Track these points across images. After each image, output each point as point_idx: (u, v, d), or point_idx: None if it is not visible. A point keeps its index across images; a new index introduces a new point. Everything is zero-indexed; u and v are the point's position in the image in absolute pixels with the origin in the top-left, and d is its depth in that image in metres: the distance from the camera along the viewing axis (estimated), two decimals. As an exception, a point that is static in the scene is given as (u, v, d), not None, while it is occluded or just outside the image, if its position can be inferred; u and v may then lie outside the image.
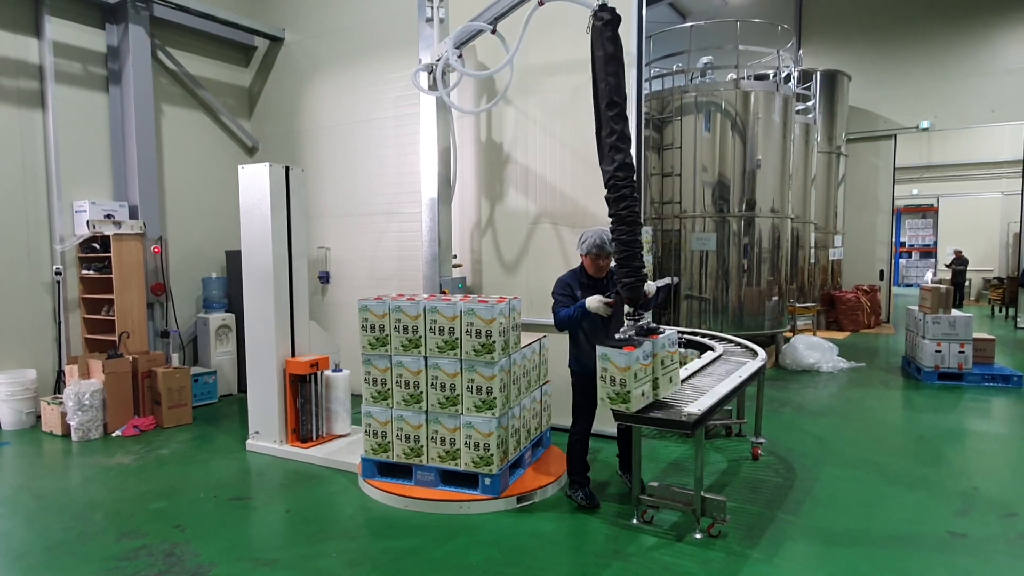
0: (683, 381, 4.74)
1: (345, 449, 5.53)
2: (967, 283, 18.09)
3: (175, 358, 7.07)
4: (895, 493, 4.64)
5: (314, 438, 5.71)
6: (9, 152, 6.63)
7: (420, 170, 6.42)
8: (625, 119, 3.96)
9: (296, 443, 5.65)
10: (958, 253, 17.65)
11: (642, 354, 3.73)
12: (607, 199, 3.97)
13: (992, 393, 7.59)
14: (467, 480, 4.52)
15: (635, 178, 3.99)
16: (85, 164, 7.09)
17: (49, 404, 6.33)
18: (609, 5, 3.95)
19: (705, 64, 9.47)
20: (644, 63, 5.62)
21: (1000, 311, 15.54)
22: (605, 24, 3.91)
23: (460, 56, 5.57)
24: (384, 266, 7.48)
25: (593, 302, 4.12)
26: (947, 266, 17.98)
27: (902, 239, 23.57)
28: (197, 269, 8.07)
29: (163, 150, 7.77)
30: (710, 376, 4.93)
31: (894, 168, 13.92)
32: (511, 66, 5.30)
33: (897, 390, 7.92)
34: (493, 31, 5.24)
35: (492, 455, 4.41)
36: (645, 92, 6.21)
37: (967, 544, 3.86)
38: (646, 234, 8.38)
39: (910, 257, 23.91)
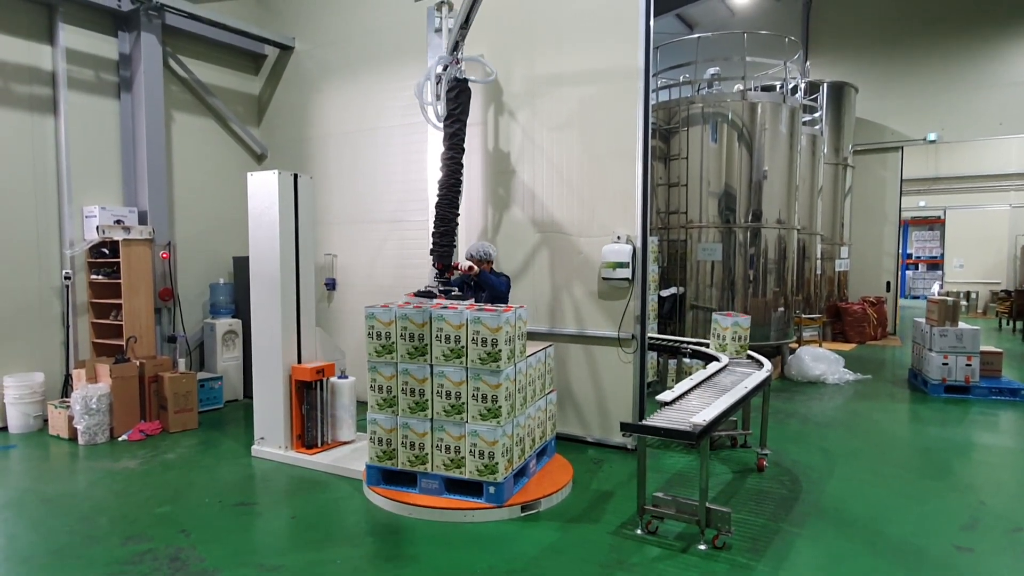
0: (688, 391, 4.75)
1: (350, 456, 5.54)
2: (974, 295, 17.95)
3: (182, 363, 7.10)
4: (901, 506, 4.62)
5: (319, 444, 5.72)
6: (21, 157, 6.70)
7: (427, 178, 6.45)
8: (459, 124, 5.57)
9: (301, 449, 5.66)
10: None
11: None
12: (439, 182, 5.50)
13: (999, 407, 7.54)
14: (472, 488, 4.52)
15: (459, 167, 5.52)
16: (96, 170, 7.15)
17: (56, 408, 6.36)
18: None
19: (712, 75, 9.50)
20: (651, 74, 5.65)
21: (1007, 324, 15.45)
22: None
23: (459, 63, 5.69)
24: (390, 273, 7.51)
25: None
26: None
27: (909, 251, 23.50)
28: (205, 275, 8.11)
29: (173, 156, 7.84)
30: (715, 387, 4.93)
31: (901, 180, 13.90)
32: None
33: (903, 403, 7.88)
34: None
35: (497, 463, 4.42)
36: (652, 103, 6.23)
37: (973, 558, 3.84)
38: (652, 244, 8.43)
39: (917, 269, 23.83)
